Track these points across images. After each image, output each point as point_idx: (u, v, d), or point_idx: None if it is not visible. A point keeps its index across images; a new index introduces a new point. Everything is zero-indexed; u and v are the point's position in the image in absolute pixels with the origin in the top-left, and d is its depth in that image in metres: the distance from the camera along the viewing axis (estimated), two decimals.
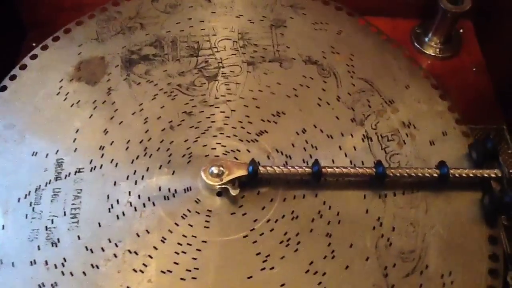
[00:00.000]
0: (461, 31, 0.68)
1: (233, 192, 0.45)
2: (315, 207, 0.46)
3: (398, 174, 0.47)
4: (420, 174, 0.47)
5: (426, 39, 0.67)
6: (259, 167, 0.46)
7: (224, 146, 0.50)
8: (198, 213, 0.46)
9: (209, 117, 0.52)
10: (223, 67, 0.55)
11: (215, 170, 0.46)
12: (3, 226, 0.46)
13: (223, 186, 0.46)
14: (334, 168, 0.47)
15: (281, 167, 0.46)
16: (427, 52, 0.67)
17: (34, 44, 0.56)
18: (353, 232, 0.45)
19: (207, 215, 0.46)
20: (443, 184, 0.47)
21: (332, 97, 0.53)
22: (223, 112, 0.52)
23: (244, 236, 0.45)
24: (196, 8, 0.59)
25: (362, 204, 0.47)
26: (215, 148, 0.50)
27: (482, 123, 0.58)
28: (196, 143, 0.50)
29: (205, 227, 0.45)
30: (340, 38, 0.57)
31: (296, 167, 0.46)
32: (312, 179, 0.47)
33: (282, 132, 0.50)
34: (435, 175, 0.47)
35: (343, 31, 0.58)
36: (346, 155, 0.49)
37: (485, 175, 0.47)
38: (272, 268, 0.43)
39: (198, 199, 0.47)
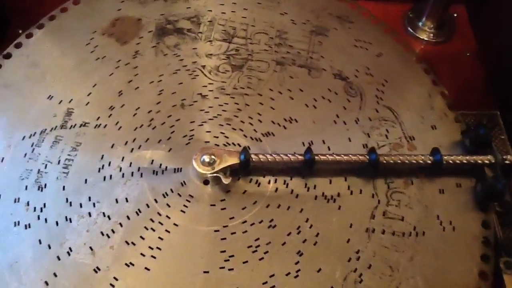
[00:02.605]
0: (455, 15, 0.67)
1: (225, 181, 0.46)
2: (295, 222, 0.46)
3: (391, 161, 0.47)
4: (414, 161, 0.47)
5: (420, 23, 0.66)
6: (251, 155, 0.46)
7: (227, 137, 0.50)
8: (180, 195, 0.46)
9: (222, 105, 0.52)
10: (251, 60, 0.55)
11: (206, 158, 0.46)
12: (2, 158, 0.48)
13: (215, 174, 0.46)
14: (327, 155, 0.47)
15: (273, 155, 0.46)
16: (421, 37, 0.66)
17: (20, 31, 0.57)
18: (326, 258, 0.44)
19: (187, 200, 0.46)
20: (437, 171, 0.47)
21: (350, 118, 0.52)
22: (237, 104, 0.52)
23: (215, 230, 0.45)
24: None
25: (345, 232, 0.46)
26: (217, 137, 0.50)
27: (475, 108, 0.57)
28: (201, 127, 0.50)
29: (181, 210, 0.46)
30: (378, 61, 0.56)
31: (288, 155, 0.46)
32: (304, 167, 0.47)
33: (288, 138, 0.50)
34: (429, 161, 0.47)
35: (383, 54, 0.56)
36: (345, 179, 0.48)
37: (479, 162, 0.47)
38: (231, 269, 0.43)
39: (184, 182, 0.47)
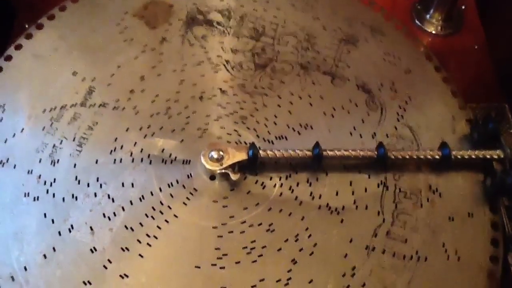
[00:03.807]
0: (463, 7, 0.68)
1: (234, 177, 0.47)
2: (295, 229, 0.47)
3: (399, 157, 0.48)
4: (422, 157, 0.48)
5: (427, 16, 0.67)
6: (260, 150, 0.47)
7: (240, 135, 0.51)
8: (184, 187, 0.48)
9: (240, 103, 0.53)
10: (276, 61, 0.56)
11: (215, 154, 0.47)
12: (22, 129, 0.50)
13: (223, 171, 0.47)
14: (335, 151, 0.48)
15: (281, 151, 0.47)
16: (428, 30, 0.67)
17: (26, 26, 0.58)
18: (320, 270, 0.45)
19: (190, 193, 0.48)
20: (446, 167, 0.48)
21: (368, 132, 0.52)
22: (255, 103, 0.53)
23: (214, 227, 0.46)
24: None
25: (344, 246, 0.46)
26: (230, 134, 0.51)
27: (483, 101, 0.57)
28: (215, 122, 0.52)
29: (183, 202, 0.47)
30: (405, 77, 0.56)
31: (296, 150, 0.48)
32: (312, 163, 0.48)
33: (300, 144, 0.50)
34: (437, 156, 0.48)
35: (412, 71, 0.56)
36: (352, 193, 0.49)
37: (487, 156, 0.48)
38: (223, 267, 0.44)
39: (190, 174, 0.48)
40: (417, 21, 0.68)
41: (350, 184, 0.50)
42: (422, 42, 0.59)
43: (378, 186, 0.50)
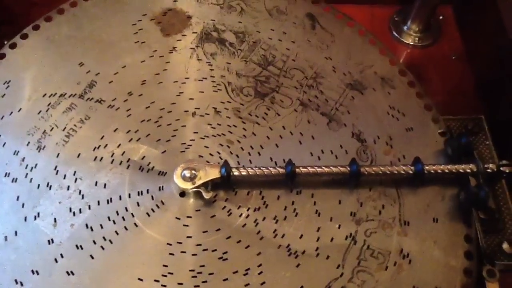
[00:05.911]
0: (441, 17, 0.71)
1: (206, 196, 0.51)
2: (247, 263, 0.49)
3: (372, 172, 0.51)
4: (395, 172, 0.51)
5: (405, 27, 0.71)
6: (232, 168, 0.51)
7: (221, 158, 0.54)
8: (153, 198, 0.52)
9: (230, 126, 0.56)
10: (277, 92, 0.59)
11: (187, 173, 0.51)
12: (20, 109, 0.56)
13: (196, 189, 0.51)
14: (308, 168, 0.51)
15: (254, 168, 0.51)
16: (406, 41, 0.71)
17: (6, 42, 0.60)
18: None
19: (157, 205, 0.52)
20: (419, 181, 0.51)
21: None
22: (245, 130, 0.56)
23: (168, 243, 0.50)
24: (297, 27, 0.63)
25: None
26: (212, 155, 0.55)
27: (461, 113, 0.61)
28: (201, 141, 0.55)
29: (147, 213, 0.51)
30: (405, 135, 0.58)
31: (269, 167, 0.51)
32: (286, 180, 0.51)
33: None
34: (410, 172, 0.51)
35: (414, 130, 0.58)
36: (317, 239, 0.51)
37: (461, 171, 0.51)
38: (164, 286, 0.48)
39: (162, 186, 0.52)
40: (394, 33, 0.71)
41: (318, 230, 0.52)
42: (432, 104, 0.60)
43: (346, 239, 0.52)
